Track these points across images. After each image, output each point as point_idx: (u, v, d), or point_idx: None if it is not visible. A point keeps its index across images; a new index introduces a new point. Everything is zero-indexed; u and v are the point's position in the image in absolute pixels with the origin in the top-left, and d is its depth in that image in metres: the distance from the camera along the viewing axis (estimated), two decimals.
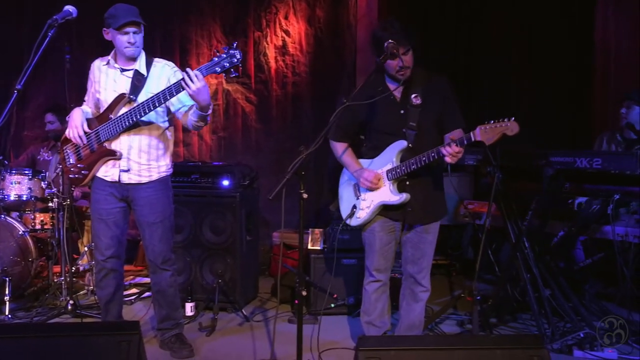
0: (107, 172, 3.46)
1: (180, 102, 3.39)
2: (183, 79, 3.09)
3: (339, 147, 3.46)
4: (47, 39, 2.83)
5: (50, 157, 5.47)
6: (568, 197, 4.10)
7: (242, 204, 4.52)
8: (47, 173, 4.77)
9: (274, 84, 6.21)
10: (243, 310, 4.37)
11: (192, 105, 3.31)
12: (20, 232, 4.60)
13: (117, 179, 3.44)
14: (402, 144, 3.26)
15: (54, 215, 4.63)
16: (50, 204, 4.60)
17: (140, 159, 3.45)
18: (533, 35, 6.13)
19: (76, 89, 4.06)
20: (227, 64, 3.06)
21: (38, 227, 4.70)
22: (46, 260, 4.72)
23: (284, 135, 6.22)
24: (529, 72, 6.17)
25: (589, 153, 3.60)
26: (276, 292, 4.54)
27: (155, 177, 3.51)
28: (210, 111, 3.29)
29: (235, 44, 3.08)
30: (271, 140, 6.24)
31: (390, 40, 3.07)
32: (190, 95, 3.14)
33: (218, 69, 3.08)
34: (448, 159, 3.04)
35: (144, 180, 3.47)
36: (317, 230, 4.56)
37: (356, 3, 6.13)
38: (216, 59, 3.08)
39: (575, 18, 6.07)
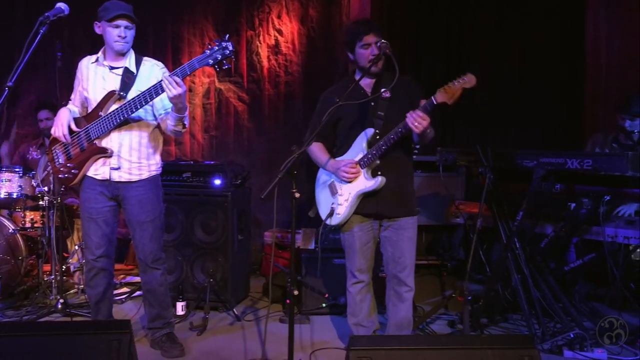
0: (98, 170, 3.44)
1: (164, 107, 3.40)
2: (162, 82, 3.10)
3: (312, 146, 3.47)
4: (39, 36, 2.81)
5: (39, 156, 5.42)
6: (559, 197, 4.11)
7: (234, 203, 4.51)
8: (36, 172, 4.73)
9: (267, 83, 6.21)
10: (234, 310, 4.37)
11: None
12: (10, 230, 4.58)
13: (107, 177, 3.43)
14: (370, 131, 3.31)
15: (44, 213, 4.59)
16: (40, 202, 4.57)
17: (130, 157, 3.43)
18: (525, 38, 6.15)
19: (67, 86, 4.01)
20: (219, 56, 3.06)
21: (28, 225, 4.66)
22: (36, 259, 4.69)
23: (276, 134, 6.22)
24: (521, 75, 6.19)
25: (580, 154, 3.60)
26: (267, 292, 4.53)
27: (145, 175, 3.50)
28: (186, 113, 3.30)
29: (227, 36, 3.08)
30: (263, 140, 6.24)
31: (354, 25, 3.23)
32: (169, 98, 3.15)
33: (210, 61, 3.08)
34: (413, 127, 3.05)
35: (134, 178, 3.46)
36: (308, 230, 4.55)
37: (349, 3, 6.13)
38: (208, 51, 3.08)
39: (567, 21, 6.10)
